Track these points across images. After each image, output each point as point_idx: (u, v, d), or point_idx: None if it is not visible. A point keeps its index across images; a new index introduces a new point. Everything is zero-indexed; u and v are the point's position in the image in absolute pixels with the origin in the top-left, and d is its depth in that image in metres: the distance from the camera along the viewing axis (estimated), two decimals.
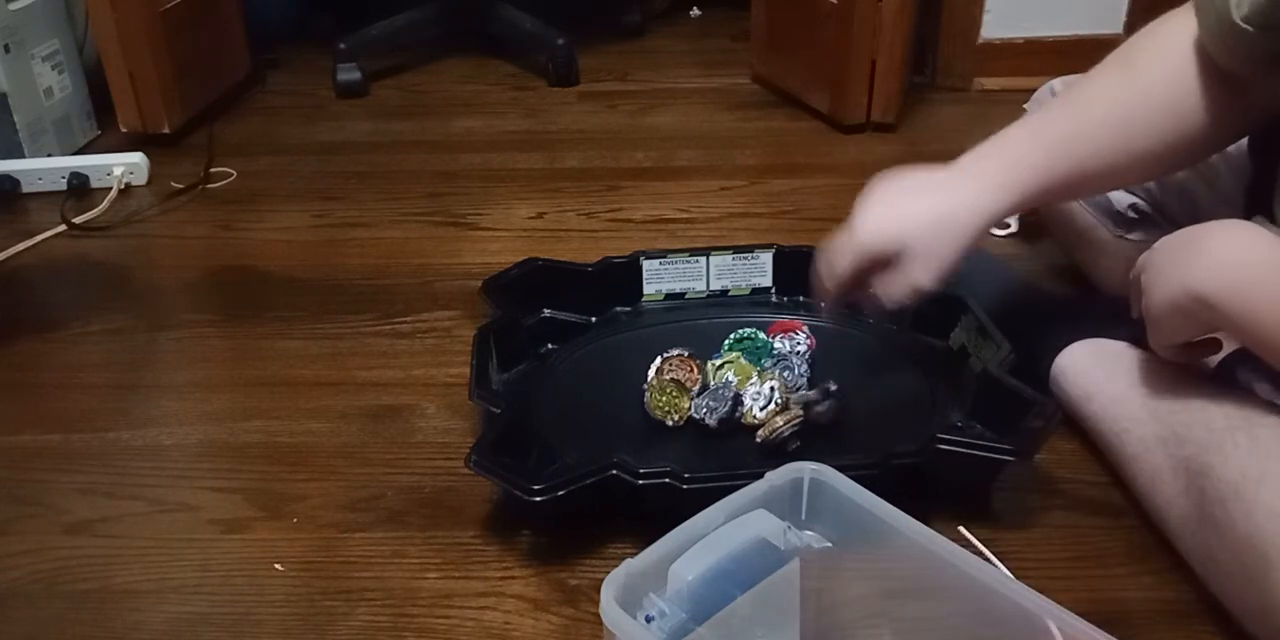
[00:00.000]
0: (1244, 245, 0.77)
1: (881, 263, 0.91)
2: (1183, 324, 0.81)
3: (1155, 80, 0.87)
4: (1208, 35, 0.83)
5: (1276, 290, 0.75)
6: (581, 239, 1.45)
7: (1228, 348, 0.84)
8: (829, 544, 0.74)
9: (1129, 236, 1.11)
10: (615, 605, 0.63)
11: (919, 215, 0.90)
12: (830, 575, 0.73)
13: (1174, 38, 0.87)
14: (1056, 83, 1.20)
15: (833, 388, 0.98)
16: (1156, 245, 0.83)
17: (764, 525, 0.69)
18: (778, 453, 0.95)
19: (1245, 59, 0.81)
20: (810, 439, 0.97)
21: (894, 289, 0.92)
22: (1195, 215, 1.04)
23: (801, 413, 0.96)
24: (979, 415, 0.95)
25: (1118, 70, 0.89)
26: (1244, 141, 0.94)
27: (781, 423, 0.95)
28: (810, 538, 0.74)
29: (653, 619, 0.64)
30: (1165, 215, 1.11)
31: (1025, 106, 1.25)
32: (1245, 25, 0.77)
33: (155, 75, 1.73)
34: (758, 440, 0.96)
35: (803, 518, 0.75)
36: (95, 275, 1.41)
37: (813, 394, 0.98)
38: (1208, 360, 0.87)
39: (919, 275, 0.90)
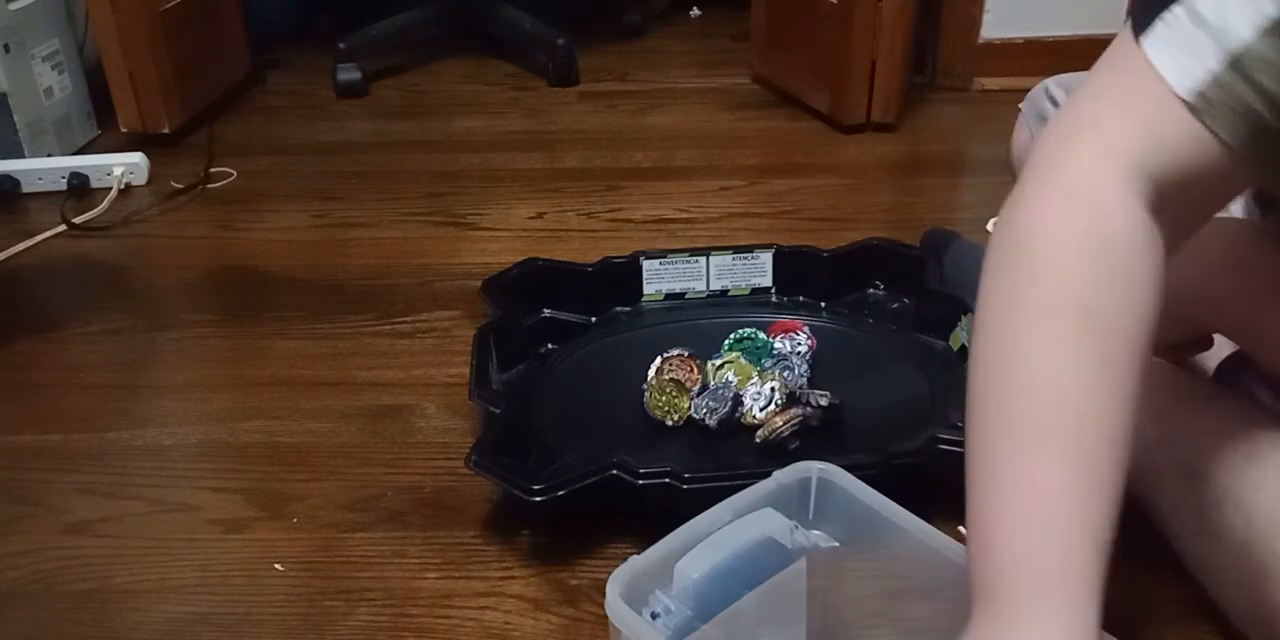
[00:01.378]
0: (1245, 246, 0.76)
1: None
2: (1176, 323, 0.81)
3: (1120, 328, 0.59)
4: (1233, 131, 0.57)
5: (1277, 292, 0.74)
6: (581, 239, 1.45)
7: (1219, 346, 0.84)
8: (836, 543, 0.74)
9: None
10: (620, 601, 0.63)
11: None
12: (837, 575, 0.73)
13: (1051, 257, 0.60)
14: (1050, 82, 1.20)
15: (823, 402, 0.98)
16: None
17: (771, 524, 0.69)
18: (777, 453, 0.95)
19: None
20: (810, 439, 0.97)
21: None
22: None
23: (801, 413, 0.96)
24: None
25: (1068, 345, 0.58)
26: None
27: (781, 423, 0.95)
28: (817, 537, 0.75)
29: (658, 616, 0.64)
30: None
31: (1020, 106, 1.25)
32: None
33: (155, 75, 1.73)
34: (757, 440, 0.96)
35: (810, 517, 0.76)
36: (95, 275, 1.41)
37: (808, 409, 0.98)
38: (1207, 364, 0.87)
39: None
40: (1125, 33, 0.60)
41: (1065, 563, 0.58)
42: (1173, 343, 0.83)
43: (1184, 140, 0.58)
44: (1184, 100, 0.57)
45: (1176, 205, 0.60)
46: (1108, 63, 0.62)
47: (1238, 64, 0.55)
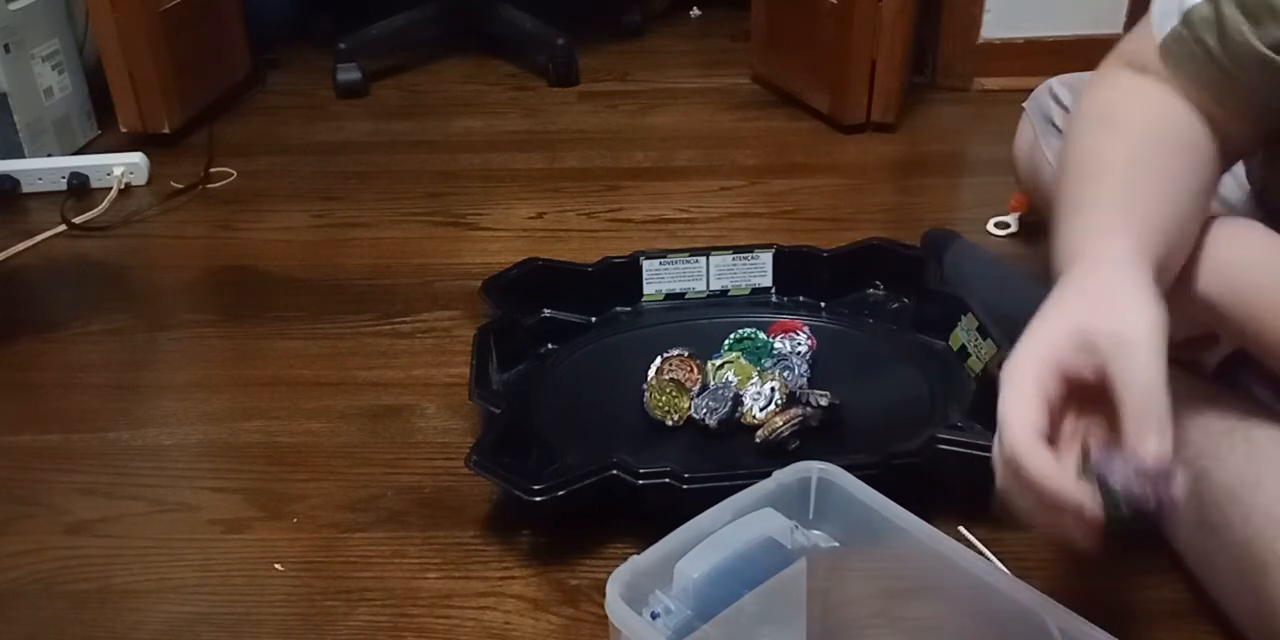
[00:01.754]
0: (1246, 246, 0.76)
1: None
2: (1185, 323, 0.81)
3: (1151, 138, 0.75)
4: (1194, 82, 0.74)
5: (1277, 292, 0.74)
6: (581, 239, 1.45)
7: (1224, 345, 0.84)
8: (836, 543, 0.74)
9: None
10: (620, 602, 0.63)
11: (1057, 324, 0.64)
12: (836, 574, 0.73)
13: (1144, 106, 0.76)
14: (1054, 82, 1.20)
15: (823, 402, 0.98)
16: None
17: (771, 524, 0.69)
18: (777, 453, 0.95)
19: (1244, 97, 0.73)
20: (810, 439, 0.97)
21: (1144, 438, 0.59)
22: None
23: (801, 413, 0.96)
24: (979, 415, 0.95)
25: (1131, 145, 0.75)
26: None
27: (781, 423, 0.95)
28: (817, 537, 0.75)
29: (658, 616, 0.64)
30: None
31: (1024, 105, 1.25)
32: (1274, 53, 0.70)
33: (155, 75, 1.73)
34: (757, 440, 0.96)
35: (810, 517, 0.76)
36: (95, 275, 1.41)
37: (808, 409, 0.98)
38: (1207, 362, 0.87)
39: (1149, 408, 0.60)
40: None
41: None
42: (1182, 340, 0.84)
43: (1162, 78, 0.76)
44: (1158, 47, 0.76)
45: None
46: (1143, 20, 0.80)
47: (1186, 19, 0.73)
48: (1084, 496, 0.58)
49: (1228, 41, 0.71)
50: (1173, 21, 0.74)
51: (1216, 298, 0.76)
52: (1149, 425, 0.58)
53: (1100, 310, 0.63)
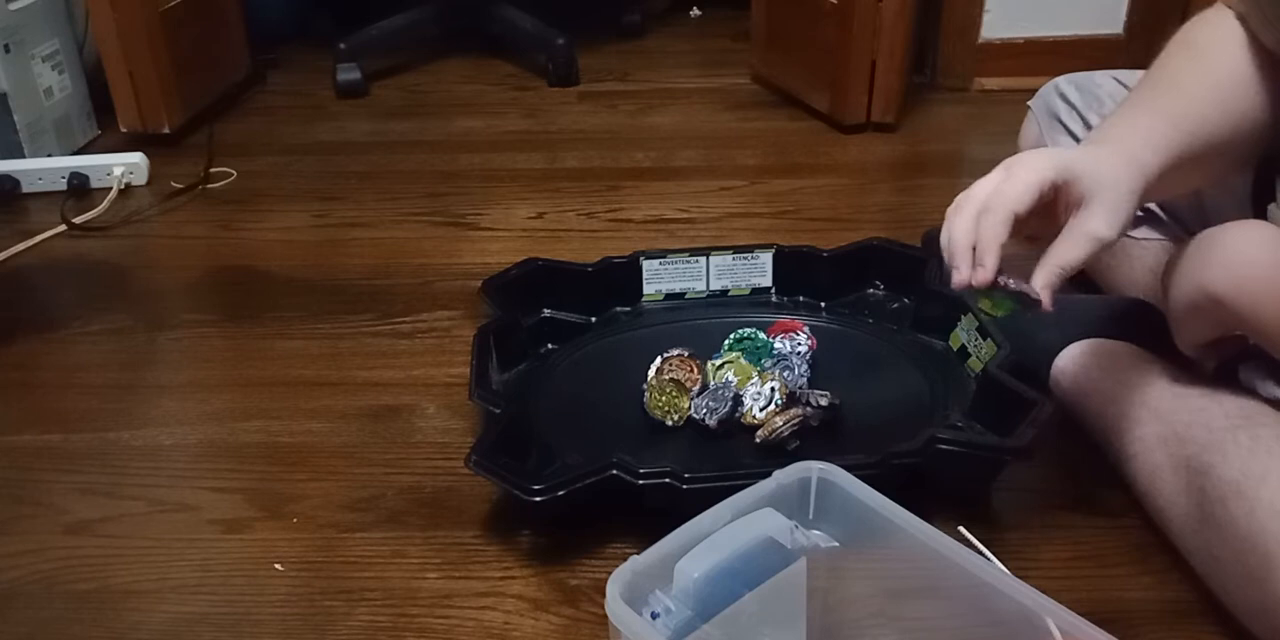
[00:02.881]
0: (1256, 245, 0.78)
1: (1038, 214, 0.76)
2: (1203, 323, 0.82)
3: (1225, 67, 0.86)
4: (1260, 17, 0.84)
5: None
6: (581, 239, 1.45)
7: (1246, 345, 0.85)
8: (836, 543, 0.74)
9: (1133, 234, 1.11)
10: (620, 602, 0.63)
11: (1083, 155, 0.78)
12: (837, 574, 0.73)
13: (1221, 35, 0.87)
14: (1061, 80, 1.20)
15: (823, 402, 0.98)
16: (1183, 246, 0.84)
17: (771, 524, 0.69)
18: (777, 452, 0.95)
19: None
20: (810, 439, 0.97)
21: (1070, 245, 0.75)
22: (1201, 213, 1.04)
23: (801, 413, 0.96)
24: (979, 415, 0.95)
25: (1189, 61, 0.88)
26: None
27: (781, 423, 0.95)
28: (817, 537, 0.74)
29: (658, 616, 0.64)
30: (1170, 213, 1.11)
31: (1029, 104, 1.25)
32: None
33: (155, 75, 1.73)
34: (757, 440, 0.96)
35: (810, 517, 0.75)
36: (95, 275, 1.41)
37: (808, 409, 0.98)
38: (1207, 360, 0.88)
39: (1099, 221, 0.75)
40: None
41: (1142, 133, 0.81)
42: (1205, 341, 0.84)
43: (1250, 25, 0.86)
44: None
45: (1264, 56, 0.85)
46: None
47: None
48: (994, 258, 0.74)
49: None
50: None
51: (1225, 295, 0.77)
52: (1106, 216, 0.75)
53: (1091, 162, 0.76)
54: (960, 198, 0.77)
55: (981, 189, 0.76)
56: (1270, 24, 0.83)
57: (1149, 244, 1.10)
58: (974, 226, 0.75)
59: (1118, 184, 0.76)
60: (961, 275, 0.75)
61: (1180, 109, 0.83)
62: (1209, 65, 0.86)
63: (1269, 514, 0.71)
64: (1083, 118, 1.15)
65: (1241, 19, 0.87)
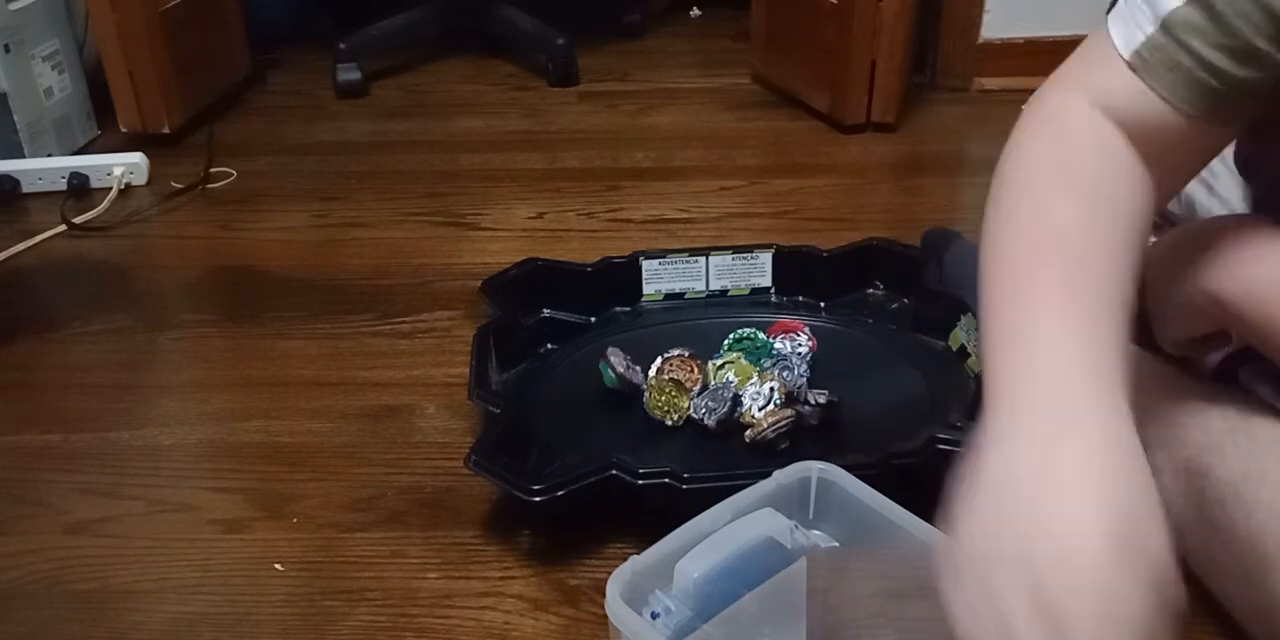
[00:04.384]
0: (1259, 244, 0.75)
1: None
2: (1192, 321, 0.80)
3: (1119, 189, 0.69)
4: (1173, 90, 0.66)
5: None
6: (581, 239, 1.45)
7: (1234, 343, 0.84)
8: (836, 543, 0.74)
9: None
10: (620, 602, 0.63)
11: (1107, 505, 0.55)
12: (837, 575, 0.73)
13: (1082, 134, 0.71)
14: None
15: (821, 400, 0.98)
16: (1165, 239, 0.81)
17: (771, 524, 0.69)
18: (767, 453, 0.95)
19: (1234, 100, 0.66)
20: (810, 439, 0.97)
21: None
22: (1194, 217, 1.04)
23: (792, 414, 0.96)
24: (979, 415, 0.95)
25: (1080, 207, 0.68)
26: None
27: (767, 425, 0.95)
28: (817, 537, 0.75)
29: (658, 616, 0.64)
30: (1163, 216, 1.11)
31: (1024, 107, 1.24)
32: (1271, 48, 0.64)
33: (155, 75, 1.73)
34: (746, 440, 0.96)
35: (810, 517, 0.76)
36: (95, 275, 1.41)
37: (805, 408, 0.98)
38: (1208, 362, 0.87)
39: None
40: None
41: (1090, 364, 0.60)
42: (1191, 338, 0.83)
43: (1131, 95, 0.67)
44: (1127, 61, 0.67)
45: (1149, 151, 0.69)
46: (1084, 42, 0.73)
47: (1166, 26, 0.65)
48: None
49: (1230, 34, 0.64)
50: (1140, 36, 0.66)
51: (1229, 296, 0.74)
52: None
53: (1040, 519, 0.54)
54: None
55: None
56: (1196, 92, 0.66)
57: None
58: None
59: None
60: None
61: (1111, 286, 0.64)
62: (1104, 198, 0.68)
63: (1267, 516, 0.71)
64: None
65: (1146, 92, 0.67)
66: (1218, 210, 1.00)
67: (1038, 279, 0.65)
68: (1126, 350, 0.62)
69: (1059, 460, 0.56)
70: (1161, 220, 1.11)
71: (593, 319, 1.17)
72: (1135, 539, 0.54)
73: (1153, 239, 1.08)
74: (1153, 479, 0.56)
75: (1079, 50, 0.73)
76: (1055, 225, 0.67)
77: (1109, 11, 0.70)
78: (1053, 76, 0.75)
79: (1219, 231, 0.78)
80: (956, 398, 1.01)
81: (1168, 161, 0.70)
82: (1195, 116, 0.66)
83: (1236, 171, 0.93)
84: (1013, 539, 0.55)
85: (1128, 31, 0.67)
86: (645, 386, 1.02)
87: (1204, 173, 1.02)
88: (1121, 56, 0.67)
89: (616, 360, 1.03)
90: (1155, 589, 0.53)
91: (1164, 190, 0.71)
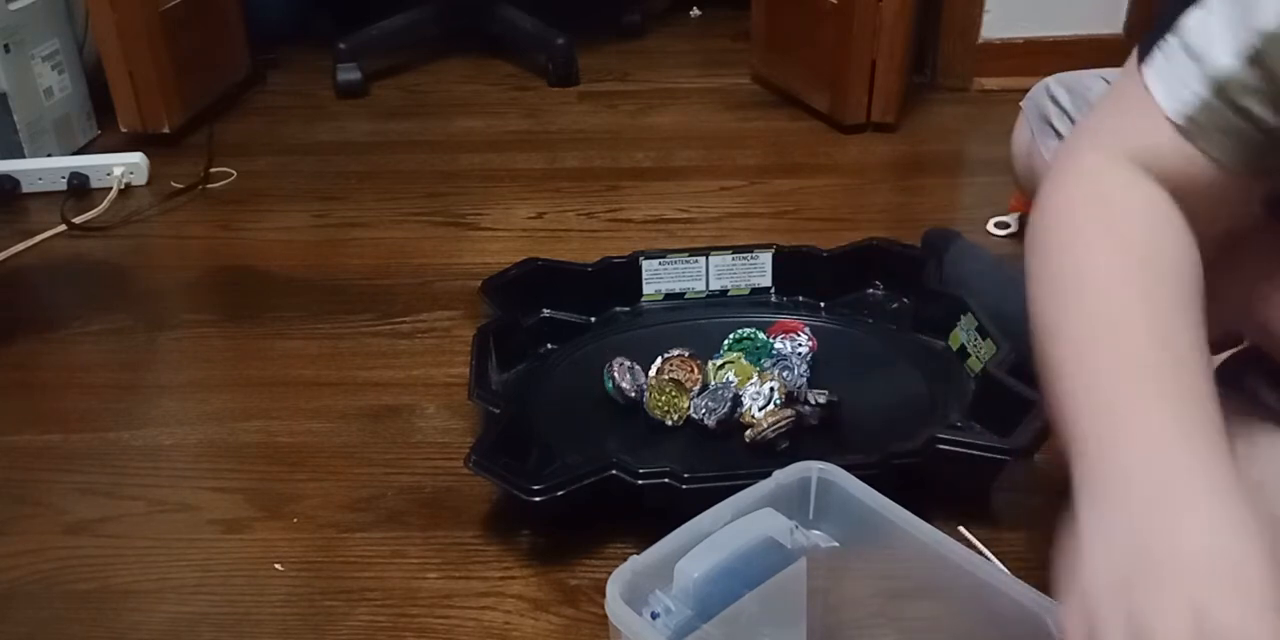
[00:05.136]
0: (1262, 243, 0.72)
1: None
2: (1222, 336, 0.78)
3: (1177, 253, 0.65)
4: (1223, 151, 0.64)
5: None
6: (581, 239, 1.45)
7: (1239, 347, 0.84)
8: (836, 543, 0.74)
9: None
10: (620, 602, 0.63)
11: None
12: (837, 575, 0.73)
13: (1123, 201, 0.67)
14: (1050, 81, 1.20)
15: (821, 400, 0.98)
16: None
17: (771, 524, 0.69)
18: (767, 452, 0.95)
19: None
20: (810, 439, 0.97)
21: None
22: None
23: (792, 414, 0.96)
24: (979, 415, 0.95)
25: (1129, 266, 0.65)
26: None
27: (767, 425, 0.95)
28: (817, 537, 0.74)
29: (658, 616, 0.64)
30: None
31: (1021, 105, 1.24)
32: None
33: (155, 75, 1.73)
34: (746, 440, 0.96)
35: (810, 517, 0.75)
36: (95, 275, 1.41)
37: (805, 408, 0.98)
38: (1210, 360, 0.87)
39: None
40: (1131, 62, 0.67)
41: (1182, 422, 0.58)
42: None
43: (1177, 157, 0.64)
44: (1175, 123, 0.63)
45: (1191, 205, 0.66)
46: (1114, 89, 0.69)
47: (1222, 90, 0.62)
48: None
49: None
50: (1190, 97, 0.63)
51: (1239, 298, 0.72)
52: None
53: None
54: None
55: None
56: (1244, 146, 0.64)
57: None
58: None
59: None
60: None
61: (1197, 369, 0.61)
62: (1166, 268, 0.64)
63: (1266, 520, 0.71)
64: (1073, 121, 1.15)
65: (1190, 150, 0.65)
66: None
67: (1123, 387, 0.61)
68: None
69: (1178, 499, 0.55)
70: None
71: (593, 319, 1.17)
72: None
73: None
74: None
75: (1111, 102, 0.70)
76: (1125, 317, 0.63)
77: (1141, 61, 0.66)
78: (1083, 129, 0.72)
79: (1255, 251, 0.74)
80: (956, 398, 1.01)
81: (1210, 215, 0.67)
82: (1243, 173, 0.64)
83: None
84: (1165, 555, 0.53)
85: (1174, 91, 0.63)
86: (645, 387, 1.02)
87: None
88: (1170, 119, 0.64)
89: (620, 373, 1.02)
90: None
91: (1205, 242, 0.67)
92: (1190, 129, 0.64)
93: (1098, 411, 0.61)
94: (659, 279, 1.20)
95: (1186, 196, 0.66)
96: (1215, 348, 0.83)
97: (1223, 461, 0.57)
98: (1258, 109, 0.62)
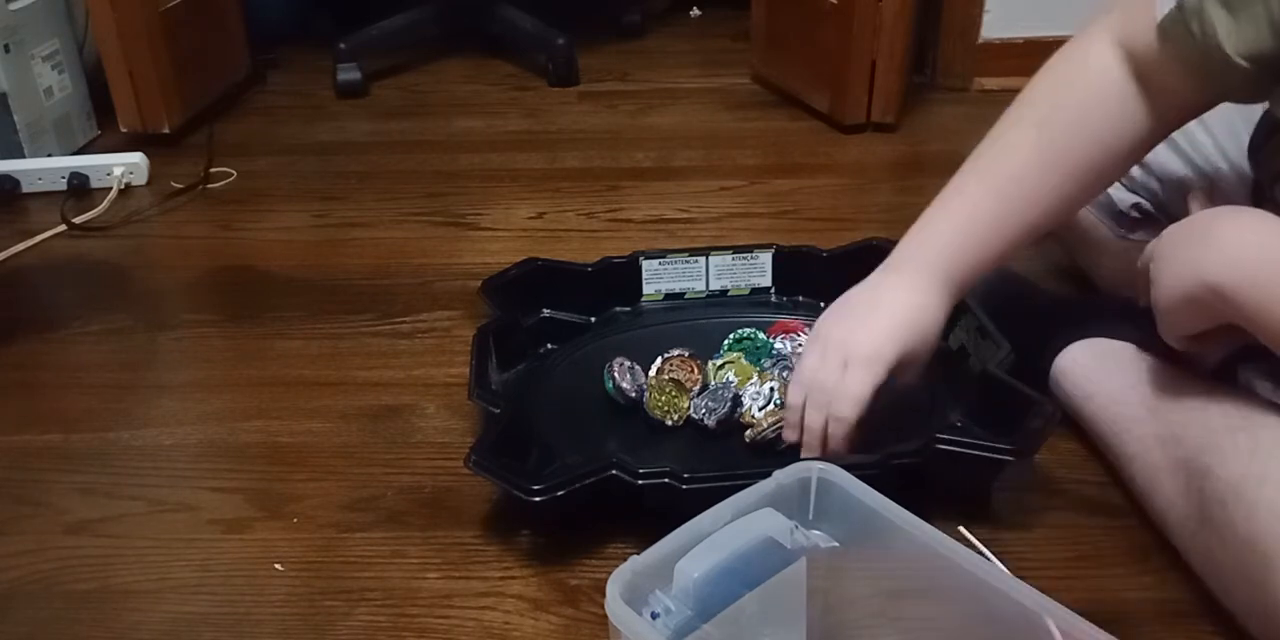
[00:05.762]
0: (1260, 235, 0.74)
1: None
2: (1195, 315, 0.80)
3: (1070, 119, 0.89)
4: (1182, 62, 0.80)
5: None
6: (581, 239, 1.45)
7: (1237, 338, 0.84)
8: (836, 543, 0.74)
9: (1131, 237, 1.11)
10: (620, 602, 0.63)
11: (905, 329, 0.91)
12: (837, 575, 0.73)
13: (1085, 66, 0.90)
14: None
15: None
16: (1165, 233, 0.81)
17: (771, 524, 0.69)
18: (767, 452, 0.95)
19: (1224, 87, 0.81)
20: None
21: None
22: (1161, 180, 1.04)
23: None
24: (979, 415, 0.95)
25: (1030, 127, 0.91)
26: (1243, 141, 0.94)
27: (767, 425, 0.95)
28: (817, 537, 0.74)
29: (658, 616, 0.64)
30: (1169, 215, 1.11)
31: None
32: (1239, 59, 0.75)
33: (155, 75, 1.73)
34: (746, 440, 0.96)
35: (810, 517, 0.75)
36: (95, 275, 1.41)
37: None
38: (1207, 359, 0.87)
39: (911, 376, 0.94)
40: None
41: (946, 247, 0.94)
42: (1193, 333, 0.83)
43: (1149, 52, 0.82)
44: (1159, 26, 0.80)
45: (1159, 86, 0.84)
46: None
47: (1180, 3, 0.77)
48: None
49: (1207, 36, 0.76)
50: (1169, 4, 0.78)
51: (1231, 289, 0.74)
52: None
53: (916, 337, 0.91)
54: (800, 391, 0.90)
55: (821, 386, 0.89)
56: (1203, 81, 0.81)
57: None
58: (823, 425, 0.89)
59: (932, 340, 0.93)
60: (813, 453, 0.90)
61: (997, 212, 0.94)
62: (1051, 142, 0.89)
63: (1269, 516, 0.71)
64: None
65: (1164, 42, 0.82)
66: (1182, 171, 1.02)
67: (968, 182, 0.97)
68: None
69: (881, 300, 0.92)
70: (1164, 218, 1.11)
71: (593, 319, 1.17)
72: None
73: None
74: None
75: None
76: (1008, 142, 0.92)
77: None
78: (1108, 6, 0.89)
79: (1218, 223, 0.77)
80: (956, 398, 1.01)
81: (1164, 104, 0.85)
82: (1201, 90, 0.81)
83: (1240, 164, 0.94)
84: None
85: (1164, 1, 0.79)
86: (645, 387, 1.02)
87: (1209, 170, 1.02)
88: (1157, 21, 0.80)
89: (620, 373, 1.02)
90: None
91: (1164, 124, 0.87)
92: (1161, 34, 0.80)
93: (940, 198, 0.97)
94: (659, 279, 1.20)
95: (1151, 86, 0.84)
96: (1212, 343, 0.84)
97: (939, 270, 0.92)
98: (1197, 29, 0.76)
